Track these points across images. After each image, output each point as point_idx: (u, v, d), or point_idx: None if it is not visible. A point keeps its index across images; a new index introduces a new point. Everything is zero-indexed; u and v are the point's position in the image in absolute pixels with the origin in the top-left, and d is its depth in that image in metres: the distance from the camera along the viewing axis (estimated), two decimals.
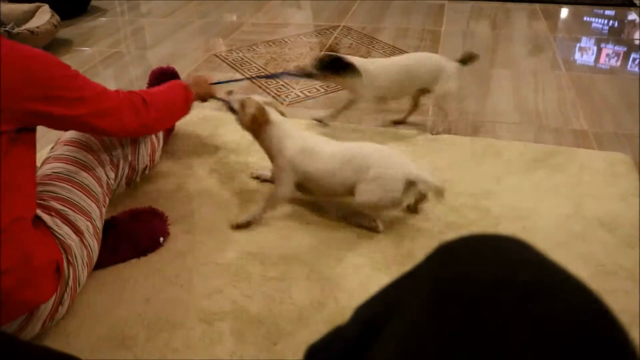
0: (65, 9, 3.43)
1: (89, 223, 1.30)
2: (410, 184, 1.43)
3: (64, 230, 1.22)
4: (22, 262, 1.07)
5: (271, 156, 1.58)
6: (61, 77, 1.18)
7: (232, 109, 1.62)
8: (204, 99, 1.75)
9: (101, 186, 1.41)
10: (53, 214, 1.23)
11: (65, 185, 1.31)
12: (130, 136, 1.52)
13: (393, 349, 0.51)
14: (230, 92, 1.68)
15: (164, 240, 1.50)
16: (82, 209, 1.30)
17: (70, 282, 1.21)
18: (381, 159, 1.46)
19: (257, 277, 1.39)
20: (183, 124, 2.10)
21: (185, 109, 1.64)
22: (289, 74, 2.13)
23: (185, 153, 1.94)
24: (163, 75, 2.06)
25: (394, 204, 1.47)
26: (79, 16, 3.73)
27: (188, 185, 1.77)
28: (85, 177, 1.37)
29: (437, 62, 1.98)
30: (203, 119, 2.18)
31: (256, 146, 1.95)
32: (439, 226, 1.55)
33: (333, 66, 1.89)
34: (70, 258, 1.21)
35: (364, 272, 1.40)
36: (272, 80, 2.58)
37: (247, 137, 2.00)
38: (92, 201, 1.34)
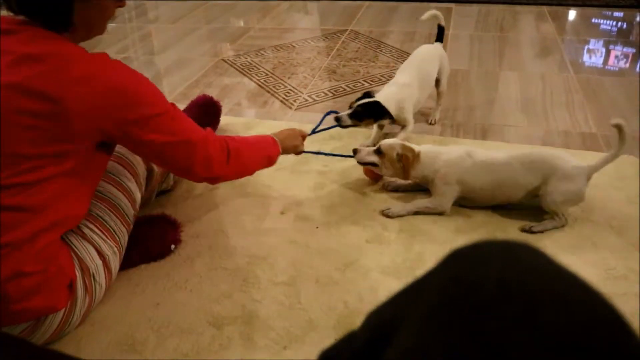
0: None
1: (115, 249, 1.31)
2: (589, 177, 1.52)
3: (87, 251, 1.24)
4: (42, 270, 1.09)
5: (429, 182, 1.63)
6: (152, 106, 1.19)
7: (369, 164, 1.67)
8: (294, 153, 1.68)
9: (134, 209, 1.42)
10: (82, 232, 1.24)
11: (102, 205, 1.31)
12: (194, 180, 1.50)
13: (399, 359, 0.50)
14: (354, 152, 1.69)
15: (175, 248, 1.51)
16: (113, 234, 1.31)
17: (82, 303, 1.22)
18: (562, 158, 1.52)
19: (266, 282, 1.39)
20: None
21: (263, 165, 1.53)
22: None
23: None
24: (207, 107, 2.10)
25: (580, 199, 1.53)
26: None
27: (196, 190, 1.78)
28: (122, 200, 1.37)
29: (439, 51, 2.11)
30: None
31: None
32: (449, 230, 1.54)
33: (371, 114, 1.87)
34: (86, 279, 1.22)
35: (373, 276, 1.40)
36: (280, 84, 2.59)
37: None
38: (124, 226, 1.35)
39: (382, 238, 1.53)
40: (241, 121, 2.23)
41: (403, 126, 1.99)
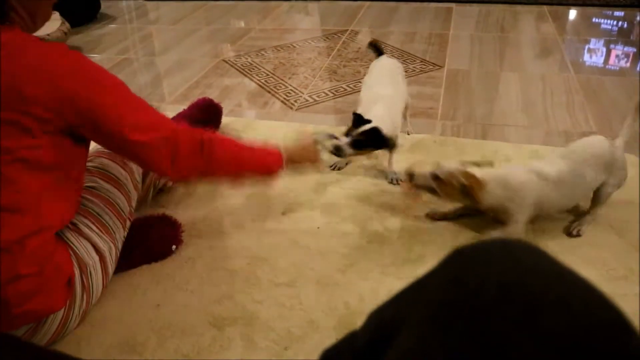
0: (75, 17, 3.46)
1: (112, 245, 1.31)
2: None
3: (84, 247, 1.23)
4: (39, 271, 1.09)
5: (499, 211, 1.48)
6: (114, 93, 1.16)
7: (428, 189, 1.48)
8: (305, 165, 1.50)
9: (130, 205, 1.42)
10: (78, 229, 1.24)
11: (97, 201, 1.31)
12: (166, 177, 1.52)
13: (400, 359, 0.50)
14: (410, 176, 1.49)
15: (176, 248, 1.51)
16: (109, 229, 1.30)
17: (80, 301, 1.22)
18: (613, 146, 1.48)
19: (267, 283, 1.39)
20: None
21: (255, 170, 1.40)
22: None
23: None
24: (207, 109, 2.10)
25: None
26: (89, 23, 3.76)
27: (197, 191, 1.78)
28: (118, 197, 1.37)
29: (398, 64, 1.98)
30: None
31: None
32: (451, 230, 1.54)
33: (372, 143, 1.64)
34: (84, 276, 1.22)
35: (374, 276, 1.40)
36: (281, 84, 2.59)
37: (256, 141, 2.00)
38: (120, 222, 1.35)
39: (383, 238, 1.53)
40: (242, 122, 2.23)
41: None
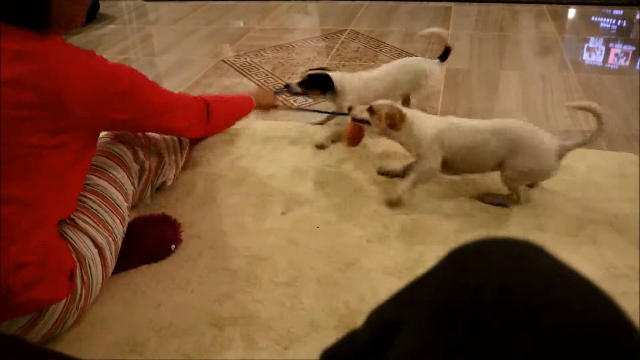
0: None
1: (110, 240, 1.31)
2: (560, 155, 1.52)
3: (83, 241, 1.24)
4: (41, 261, 1.10)
5: (411, 146, 1.66)
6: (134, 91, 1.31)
7: (362, 121, 1.70)
8: (266, 109, 2.01)
9: (127, 200, 1.43)
10: (75, 223, 1.25)
11: (94, 198, 1.32)
12: (184, 137, 1.78)
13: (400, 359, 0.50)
14: (349, 109, 1.73)
15: (175, 248, 1.51)
16: (106, 224, 1.31)
17: (81, 294, 1.23)
18: (532, 131, 1.53)
19: (267, 282, 1.39)
20: None
21: (239, 118, 1.91)
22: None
23: (192, 158, 1.95)
24: None
25: (545, 175, 1.57)
26: (88, 24, 3.75)
27: (197, 190, 1.78)
28: (114, 192, 1.37)
29: (420, 66, 2.04)
30: None
31: (266, 150, 1.97)
32: (450, 229, 1.54)
33: (317, 85, 1.96)
34: (83, 270, 1.22)
35: (374, 276, 1.40)
36: (280, 84, 2.59)
37: (256, 142, 2.01)
38: (117, 217, 1.35)
39: (383, 237, 1.53)
40: (241, 122, 2.23)
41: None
